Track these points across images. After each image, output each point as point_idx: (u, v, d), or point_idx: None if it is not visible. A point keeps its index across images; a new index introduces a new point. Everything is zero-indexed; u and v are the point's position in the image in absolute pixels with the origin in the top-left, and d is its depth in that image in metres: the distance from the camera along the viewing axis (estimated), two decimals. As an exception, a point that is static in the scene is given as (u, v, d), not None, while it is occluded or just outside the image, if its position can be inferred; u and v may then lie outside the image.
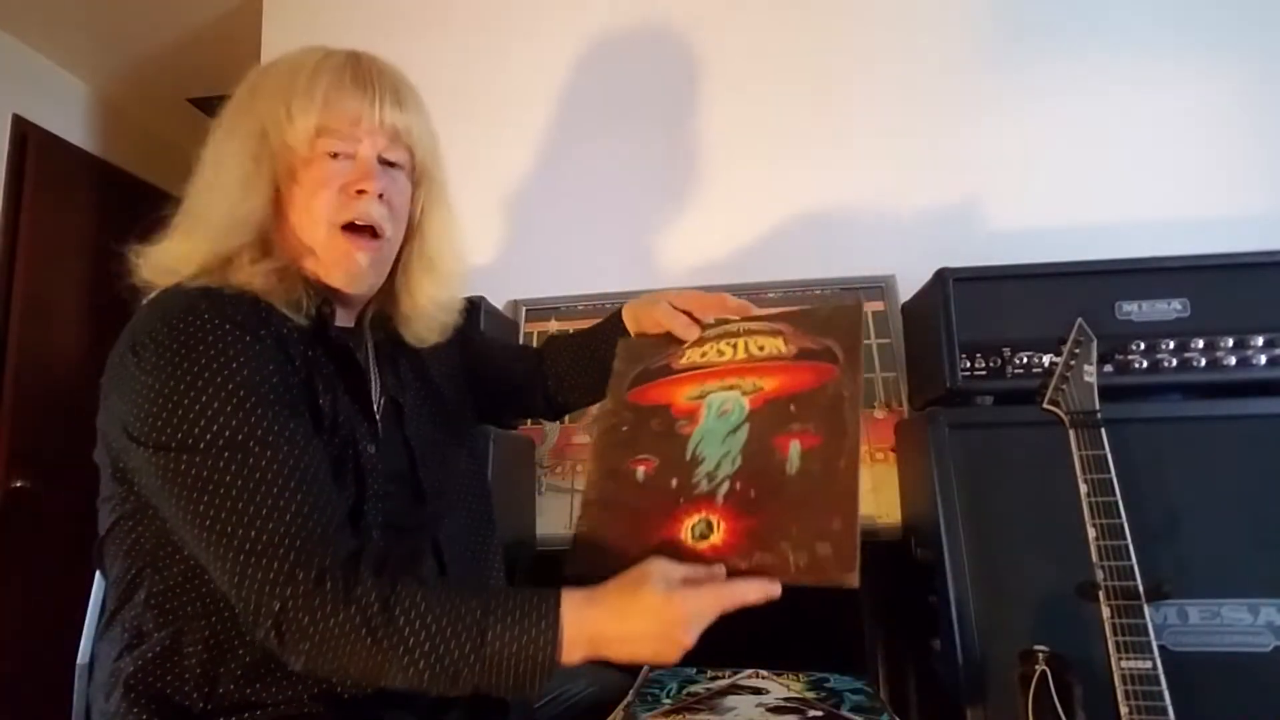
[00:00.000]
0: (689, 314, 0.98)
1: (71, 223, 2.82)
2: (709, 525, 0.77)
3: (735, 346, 0.92)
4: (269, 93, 0.86)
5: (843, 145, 1.85)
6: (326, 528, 0.71)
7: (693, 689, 1.05)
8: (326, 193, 0.85)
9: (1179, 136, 1.72)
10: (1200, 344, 1.25)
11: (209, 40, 2.66)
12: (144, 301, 0.82)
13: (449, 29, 2.04)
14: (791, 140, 1.87)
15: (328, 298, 0.88)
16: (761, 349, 0.90)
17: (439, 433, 0.98)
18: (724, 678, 1.09)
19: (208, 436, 0.70)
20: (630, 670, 1.14)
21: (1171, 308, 1.27)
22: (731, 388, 0.88)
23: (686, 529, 0.78)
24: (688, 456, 0.84)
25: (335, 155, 0.86)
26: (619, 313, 1.08)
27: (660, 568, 0.72)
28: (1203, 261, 1.28)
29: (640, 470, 0.86)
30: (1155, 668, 0.95)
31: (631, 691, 1.05)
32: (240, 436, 0.71)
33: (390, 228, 0.89)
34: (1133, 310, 1.28)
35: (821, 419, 0.80)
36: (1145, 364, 1.25)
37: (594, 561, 0.80)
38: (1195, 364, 1.25)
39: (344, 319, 0.93)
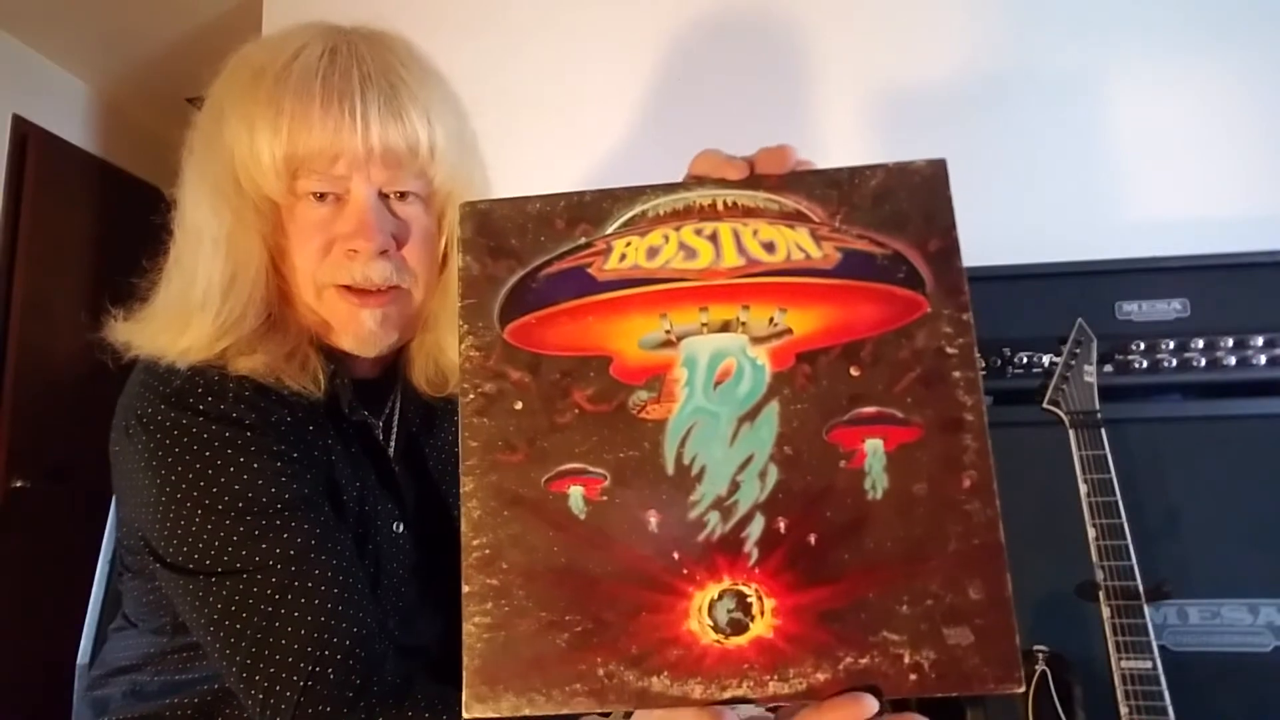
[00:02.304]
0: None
1: (71, 223, 2.82)
2: (742, 603, 0.43)
3: (716, 239, 0.49)
4: (233, 110, 0.69)
5: (840, 145, 1.84)
6: (342, 647, 0.64)
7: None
8: (312, 248, 0.69)
9: (1179, 136, 1.72)
10: (1200, 344, 1.25)
11: (209, 40, 2.65)
12: (137, 366, 0.73)
13: (461, 27, 2.01)
14: (786, 140, 1.87)
15: (338, 368, 0.74)
16: (771, 246, 0.48)
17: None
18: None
19: (214, 558, 0.65)
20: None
21: (1171, 308, 1.27)
22: (726, 326, 0.47)
23: (699, 613, 0.43)
24: (669, 465, 0.45)
25: (321, 196, 0.69)
26: None
27: None
28: (1203, 261, 1.28)
29: (575, 494, 0.46)
30: (1155, 668, 0.95)
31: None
32: (248, 554, 0.65)
33: (405, 277, 0.72)
34: (1133, 310, 1.28)
35: (914, 394, 0.46)
36: (1145, 364, 1.25)
37: (522, 686, 0.43)
38: (1195, 364, 1.25)
39: (369, 369, 0.79)
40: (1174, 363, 1.25)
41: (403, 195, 0.71)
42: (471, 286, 0.49)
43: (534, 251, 0.49)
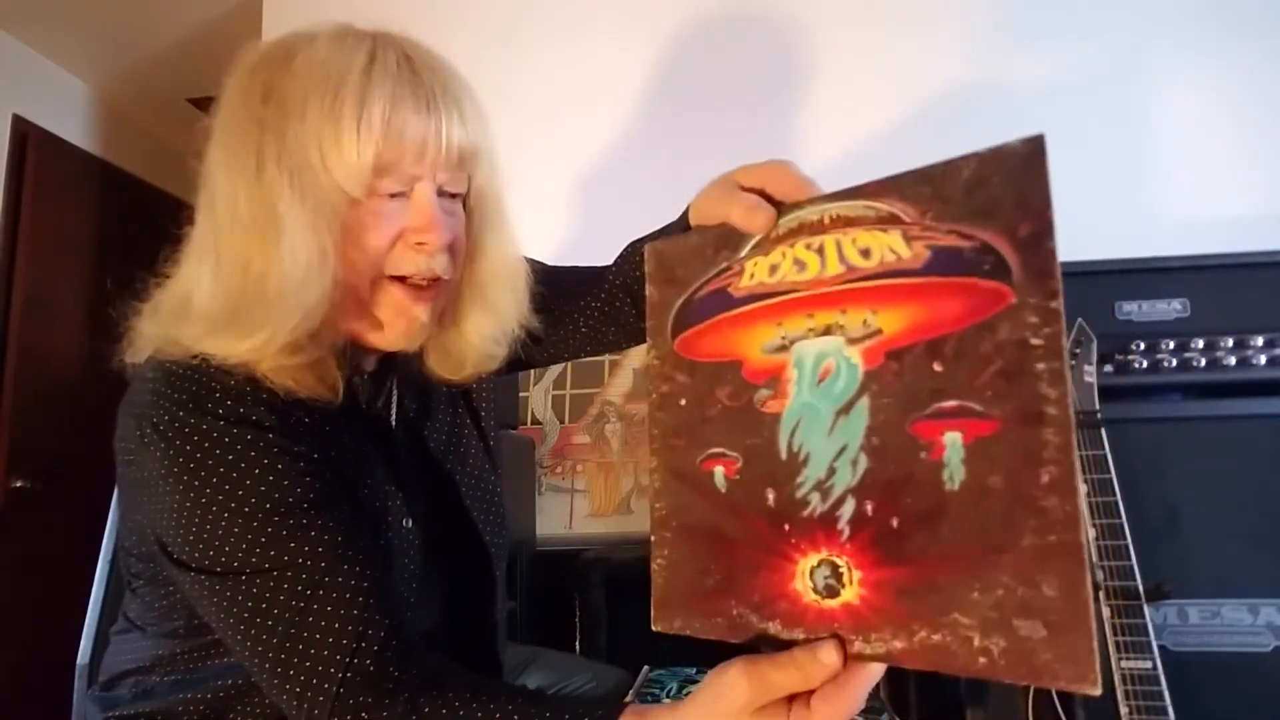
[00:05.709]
0: (760, 191, 0.62)
1: (71, 223, 2.82)
2: (835, 572, 0.50)
3: (822, 252, 0.55)
4: (303, 108, 0.68)
5: (840, 144, 1.84)
6: (378, 638, 0.65)
7: (692, 689, 1.05)
8: (384, 240, 0.70)
9: (1179, 136, 1.72)
10: (1200, 344, 1.25)
11: (209, 40, 2.65)
12: (143, 370, 0.72)
13: (463, 26, 2.01)
14: (780, 139, 1.87)
15: (359, 364, 0.76)
16: (867, 252, 0.53)
17: (474, 468, 0.88)
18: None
19: (243, 558, 0.65)
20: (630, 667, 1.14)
21: (1171, 308, 1.27)
22: (828, 330, 0.53)
23: (803, 576, 0.51)
24: (782, 451, 0.54)
25: (394, 193, 0.71)
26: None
27: (743, 688, 0.51)
28: (1203, 261, 1.28)
29: (718, 473, 0.57)
30: (1155, 668, 0.95)
31: (631, 691, 1.05)
32: (276, 553, 0.65)
33: (452, 271, 0.74)
34: (1133, 310, 1.28)
35: (994, 387, 0.46)
36: (1145, 364, 1.25)
37: (684, 614, 0.57)
38: (1195, 364, 1.25)
39: (371, 363, 0.81)
40: (1174, 363, 1.25)
41: (453, 194, 0.74)
42: (653, 310, 0.62)
43: (693, 278, 0.61)
